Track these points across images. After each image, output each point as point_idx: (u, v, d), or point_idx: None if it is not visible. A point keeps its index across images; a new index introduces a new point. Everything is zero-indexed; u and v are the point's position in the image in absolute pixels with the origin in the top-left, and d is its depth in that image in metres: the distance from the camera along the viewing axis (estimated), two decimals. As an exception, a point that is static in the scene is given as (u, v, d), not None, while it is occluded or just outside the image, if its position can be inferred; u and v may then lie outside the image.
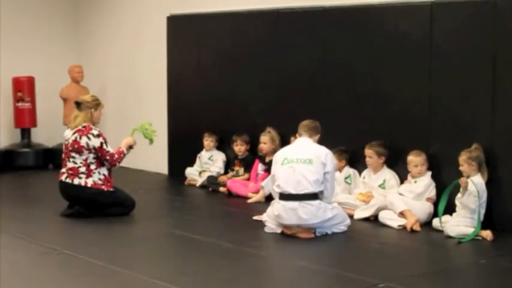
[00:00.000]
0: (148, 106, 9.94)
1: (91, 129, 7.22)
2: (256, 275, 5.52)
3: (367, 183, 7.38)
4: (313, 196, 6.43)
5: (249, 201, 8.00)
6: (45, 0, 10.88)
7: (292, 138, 7.55)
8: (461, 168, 6.60)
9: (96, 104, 7.36)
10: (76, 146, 7.17)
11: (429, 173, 7.00)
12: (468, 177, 6.52)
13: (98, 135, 7.20)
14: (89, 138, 7.16)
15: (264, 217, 6.77)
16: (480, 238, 6.35)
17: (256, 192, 8.07)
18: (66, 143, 7.29)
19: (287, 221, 6.46)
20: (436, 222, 6.70)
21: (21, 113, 10.35)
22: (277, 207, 6.50)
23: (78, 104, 7.33)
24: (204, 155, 9.07)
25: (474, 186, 6.39)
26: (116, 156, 7.22)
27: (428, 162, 7.01)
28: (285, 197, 6.46)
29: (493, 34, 6.62)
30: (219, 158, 8.98)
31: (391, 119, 7.37)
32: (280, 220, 6.51)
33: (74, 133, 7.23)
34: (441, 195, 6.61)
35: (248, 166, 8.59)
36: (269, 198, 7.77)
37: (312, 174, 6.42)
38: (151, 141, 7.52)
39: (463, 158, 6.58)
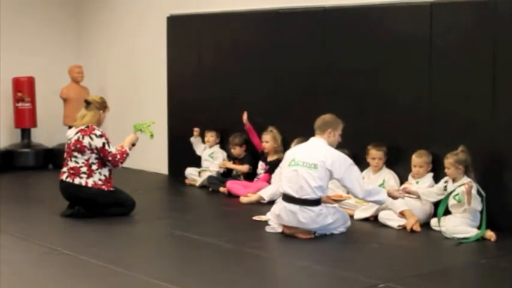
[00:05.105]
0: (148, 106, 9.94)
1: (94, 129, 7.21)
2: (256, 275, 5.52)
3: (367, 183, 7.37)
4: (315, 202, 6.40)
5: (242, 201, 7.96)
6: (45, 0, 10.88)
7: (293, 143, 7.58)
8: (447, 171, 6.59)
9: (105, 106, 7.37)
10: (78, 145, 7.16)
11: (431, 174, 7.00)
12: (454, 180, 6.54)
13: (101, 136, 7.20)
14: (91, 138, 7.16)
15: (268, 216, 6.78)
16: (480, 238, 6.34)
17: (255, 192, 8.04)
18: (69, 142, 7.29)
19: (287, 223, 6.46)
20: (434, 222, 6.69)
21: (21, 113, 10.35)
22: (279, 207, 6.51)
23: (88, 103, 7.31)
24: (206, 151, 9.07)
25: (477, 188, 6.40)
26: (118, 156, 7.22)
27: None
28: (287, 198, 6.45)
29: (493, 34, 6.62)
30: (220, 156, 8.98)
31: (391, 119, 7.37)
32: (280, 220, 6.52)
33: (77, 133, 7.23)
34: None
35: (247, 163, 8.61)
36: (270, 203, 7.82)
37: (315, 181, 6.36)
38: (151, 136, 7.51)
39: (449, 161, 6.57)
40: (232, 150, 8.67)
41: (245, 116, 8.46)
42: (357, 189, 6.45)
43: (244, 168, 8.58)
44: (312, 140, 6.65)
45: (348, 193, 6.90)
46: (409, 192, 6.78)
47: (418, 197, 6.82)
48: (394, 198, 6.67)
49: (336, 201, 6.79)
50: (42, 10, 10.84)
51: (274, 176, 7.99)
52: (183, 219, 7.30)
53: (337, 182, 6.64)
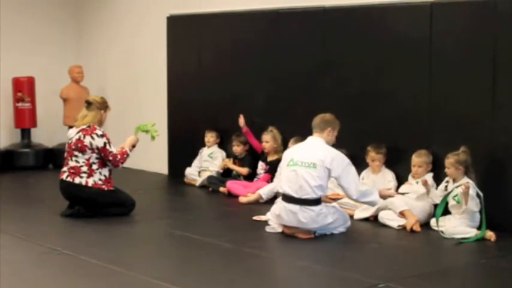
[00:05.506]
0: (148, 106, 9.94)
1: (95, 129, 7.22)
2: (256, 275, 5.52)
3: (367, 183, 7.37)
4: (315, 202, 6.40)
5: (241, 201, 7.96)
6: (45, 0, 10.88)
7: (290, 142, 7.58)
8: (447, 171, 6.60)
9: (106, 106, 7.38)
10: (79, 145, 7.16)
11: (431, 175, 7.00)
12: (454, 180, 6.54)
13: (102, 136, 7.20)
14: (92, 138, 7.16)
15: (268, 216, 6.78)
16: (480, 238, 6.34)
17: (255, 192, 8.03)
18: (70, 141, 7.28)
19: (287, 223, 6.47)
20: (433, 222, 6.69)
21: (21, 113, 10.35)
22: (279, 207, 6.51)
23: (89, 104, 7.31)
24: (205, 151, 9.07)
25: (475, 189, 6.39)
26: (119, 157, 7.22)
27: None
28: (287, 198, 6.45)
29: (493, 34, 6.62)
30: (219, 156, 8.98)
31: (391, 119, 7.37)
32: (281, 220, 6.52)
33: (78, 132, 7.23)
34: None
35: (247, 165, 8.59)
36: (269, 202, 7.80)
37: (314, 180, 6.36)
38: (153, 138, 7.52)
39: (450, 161, 6.57)
40: (236, 147, 8.64)
41: (242, 120, 8.47)
42: (352, 189, 6.46)
43: (244, 171, 8.57)
44: (310, 139, 6.64)
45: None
46: (426, 184, 6.72)
47: (427, 193, 6.78)
48: (384, 197, 6.67)
49: (334, 199, 6.79)
50: (42, 10, 10.84)
51: (275, 178, 7.97)
52: (183, 219, 7.30)
53: (336, 181, 6.63)
